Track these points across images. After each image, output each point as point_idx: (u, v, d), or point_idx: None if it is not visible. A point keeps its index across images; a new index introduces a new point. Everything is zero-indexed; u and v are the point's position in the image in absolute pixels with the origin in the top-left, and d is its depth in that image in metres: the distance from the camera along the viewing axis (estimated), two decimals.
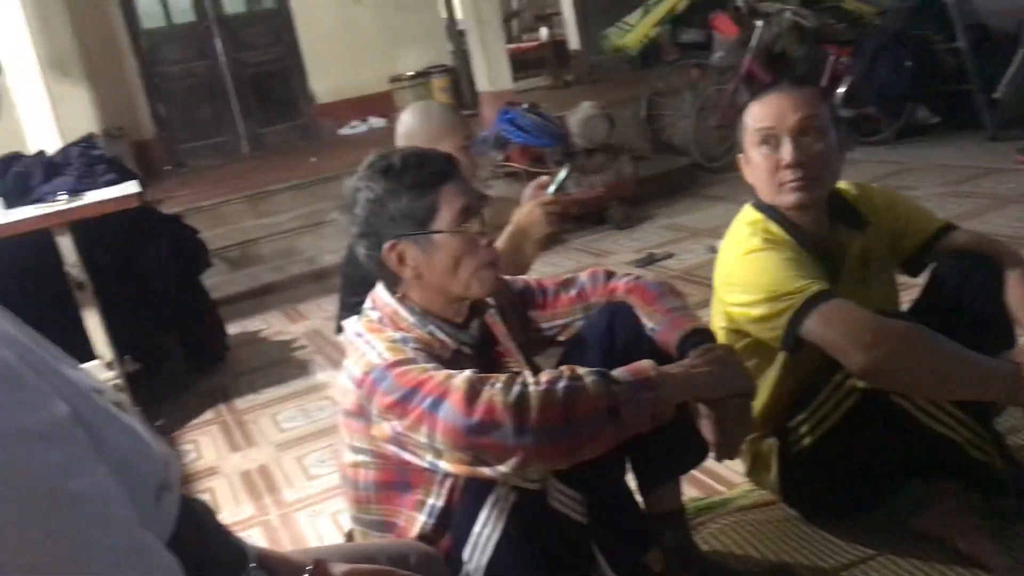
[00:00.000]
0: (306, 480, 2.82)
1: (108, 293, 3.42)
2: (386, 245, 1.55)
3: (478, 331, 1.68)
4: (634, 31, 6.48)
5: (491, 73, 6.64)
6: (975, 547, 1.79)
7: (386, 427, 1.43)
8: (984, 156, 5.23)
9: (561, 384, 1.36)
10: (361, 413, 1.48)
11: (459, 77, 7.90)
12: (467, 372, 1.39)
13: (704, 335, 1.65)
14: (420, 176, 1.56)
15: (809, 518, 2.01)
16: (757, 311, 1.76)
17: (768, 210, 1.87)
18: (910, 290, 2.10)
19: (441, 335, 1.58)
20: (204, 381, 3.91)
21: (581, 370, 1.41)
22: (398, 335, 1.52)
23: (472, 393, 1.34)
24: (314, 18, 7.68)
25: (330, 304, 4.56)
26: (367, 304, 1.66)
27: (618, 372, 1.43)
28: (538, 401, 1.33)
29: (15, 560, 0.55)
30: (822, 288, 1.70)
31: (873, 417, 1.73)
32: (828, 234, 1.89)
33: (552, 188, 2.33)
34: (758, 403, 1.87)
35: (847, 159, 1.95)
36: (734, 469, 2.23)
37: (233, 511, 2.71)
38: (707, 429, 1.57)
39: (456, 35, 7.96)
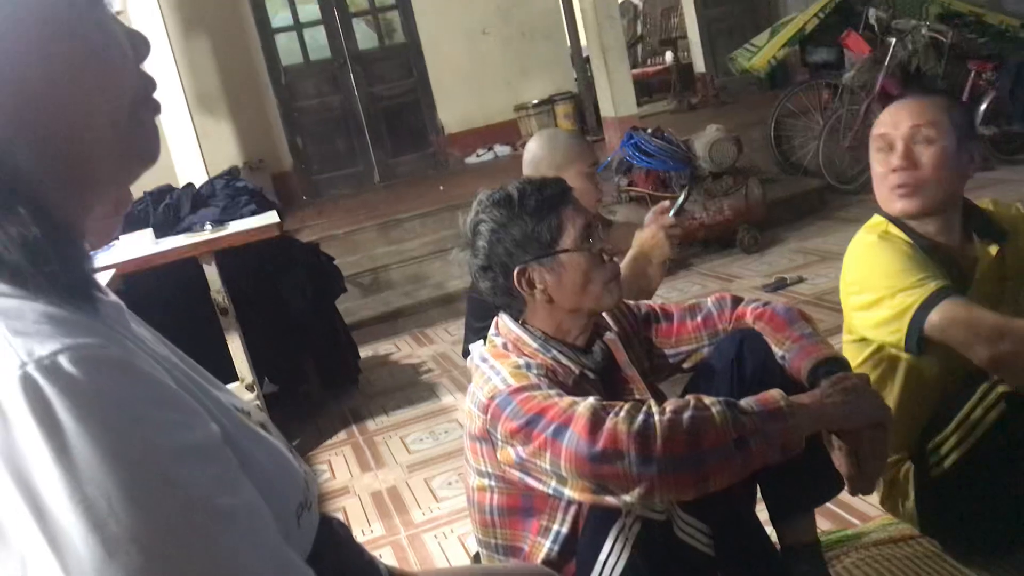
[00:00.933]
0: (434, 502, 2.87)
1: (249, 317, 3.59)
2: (516, 271, 1.59)
3: (601, 356, 1.69)
4: (761, 53, 6.37)
5: (615, 99, 6.66)
6: None
7: (511, 452, 1.45)
8: None
9: (687, 413, 1.35)
10: (487, 438, 1.51)
11: (583, 103, 7.95)
12: (591, 399, 1.40)
13: (837, 363, 1.61)
14: (541, 199, 1.60)
15: (951, 551, 1.92)
16: (878, 314, 1.74)
17: (893, 217, 1.85)
18: None
19: (564, 360, 1.59)
20: (338, 403, 4.05)
21: (707, 399, 1.39)
22: (522, 360, 1.54)
23: (595, 421, 1.35)
24: (443, 51, 7.89)
25: (457, 328, 4.65)
26: (491, 331, 1.69)
27: (746, 402, 1.41)
28: (663, 430, 1.33)
29: (171, 570, 0.59)
30: (943, 284, 1.68)
31: (1019, 428, 1.65)
32: (959, 245, 1.84)
33: (672, 212, 2.32)
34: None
35: (990, 178, 1.88)
36: (869, 501, 2.15)
37: (364, 530, 2.78)
38: (841, 461, 1.53)
39: (581, 62, 8.01)
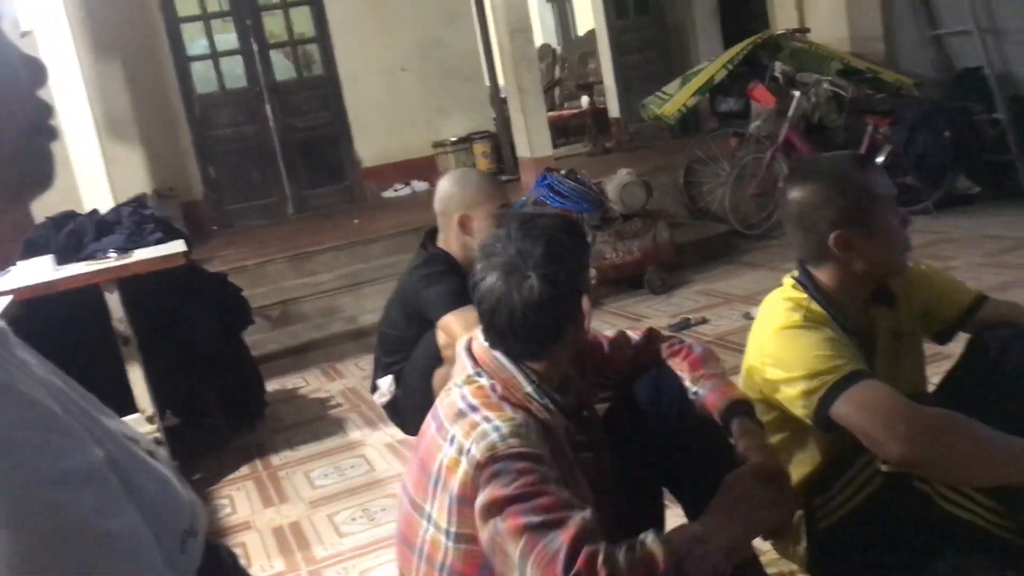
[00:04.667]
0: (337, 537, 2.84)
1: (152, 348, 3.51)
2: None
3: (574, 399, 1.70)
4: (672, 100, 6.56)
5: (531, 140, 6.76)
6: None
7: (489, 523, 1.36)
8: None
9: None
10: (465, 495, 1.41)
11: (500, 143, 8.05)
12: (588, 511, 1.33)
13: (746, 404, 1.76)
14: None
15: None
16: (791, 389, 1.76)
17: (811, 288, 1.86)
18: (945, 361, 2.09)
19: (555, 409, 1.55)
20: (242, 437, 3.97)
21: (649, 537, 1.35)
22: (519, 416, 1.46)
23: (585, 537, 1.29)
24: (361, 85, 7.90)
25: (368, 363, 4.60)
26: (464, 362, 1.60)
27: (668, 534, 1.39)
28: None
29: None
30: (855, 368, 1.70)
31: (896, 502, 1.73)
32: (863, 311, 1.90)
33: None
34: (795, 476, 1.87)
35: None
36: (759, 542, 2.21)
37: (264, 566, 2.73)
38: None
39: (499, 102, 8.12)
